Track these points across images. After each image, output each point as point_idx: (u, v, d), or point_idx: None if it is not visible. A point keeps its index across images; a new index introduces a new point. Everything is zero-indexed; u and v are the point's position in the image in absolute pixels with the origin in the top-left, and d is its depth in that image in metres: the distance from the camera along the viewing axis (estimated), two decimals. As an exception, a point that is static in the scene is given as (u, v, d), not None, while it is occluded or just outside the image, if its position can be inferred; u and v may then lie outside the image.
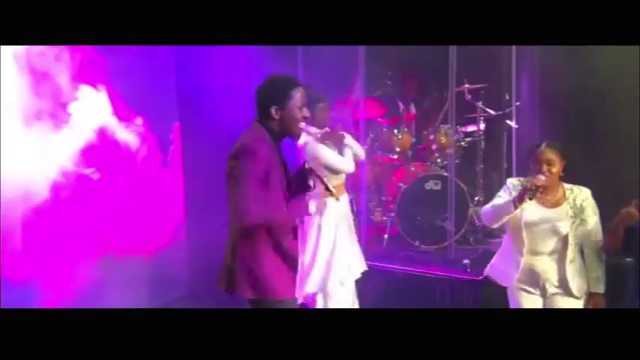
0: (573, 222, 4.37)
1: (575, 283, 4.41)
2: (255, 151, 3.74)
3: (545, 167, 4.29)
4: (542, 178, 4.24)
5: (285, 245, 3.84)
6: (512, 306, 4.52)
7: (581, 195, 4.42)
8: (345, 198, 5.48)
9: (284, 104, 3.88)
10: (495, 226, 4.55)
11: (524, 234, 4.38)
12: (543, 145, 4.34)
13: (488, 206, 4.51)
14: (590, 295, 4.42)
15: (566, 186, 4.44)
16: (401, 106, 7.72)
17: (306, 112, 3.96)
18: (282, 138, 3.97)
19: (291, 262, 3.89)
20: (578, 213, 4.38)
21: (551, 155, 4.31)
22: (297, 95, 3.91)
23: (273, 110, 3.87)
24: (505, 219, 4.40)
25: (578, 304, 4.41)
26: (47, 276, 5.13)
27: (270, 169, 3.77)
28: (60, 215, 5.30)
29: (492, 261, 4.70)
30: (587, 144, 5.54)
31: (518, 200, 4.26)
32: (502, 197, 4.45)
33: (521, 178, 4.51)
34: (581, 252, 4.45)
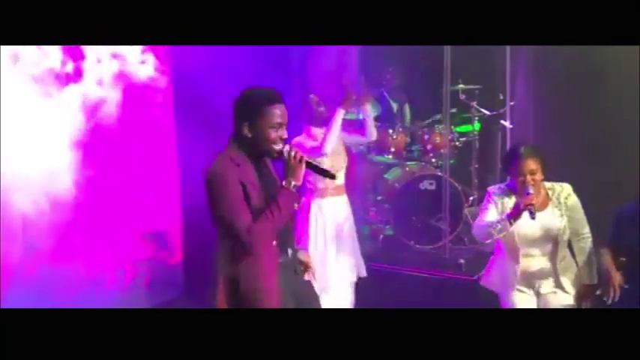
0: (561, 220, 4.37)
1: (567, 279, 4.43)
2: (221, 174, 3.52)
3: (529, 177, 4.24)
4: (532, 195, 4.16)
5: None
6: (504, 306, 4.52)
7: (564, 192, 4.41)
8: (343, 199, 5.52)
9: (255, 122, 3.56)
10: (489, 242, 4.51)
11: (517, 242, 4.37)
12: (523, 156, 4.25)
13: (481, 225, 4.39)
14: (581, 287, 4.43)
15: (547, 185, 4.41)
16: (394, 106, 7.75)
17: (283, 133, 3.60)
18: (260, 157, 3.68)
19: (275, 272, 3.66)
20: (564, 210, 4.38)
21: (534, 165, 4.24)
22: (272, 112, 3.56)
23: (245, 128, 3.58)
24: (500, 236, 4.38)
25: (571, 299, 4.43)
26: (46, 276, 5.12)
27: (245, 188, 3.54)
28: (57, 214, 5.28)
29: (487, 271, 4.67)
30: (582, 143, 5.55)
31: (514, 218, 4.19)
32: (489, 211, 4.39)
33: (502, 185, 4.48)
34: (569, 246, 4.45)
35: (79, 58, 5.24)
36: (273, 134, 3.58)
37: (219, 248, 3.67)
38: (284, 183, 3.59)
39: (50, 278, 5.12)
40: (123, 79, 5.59)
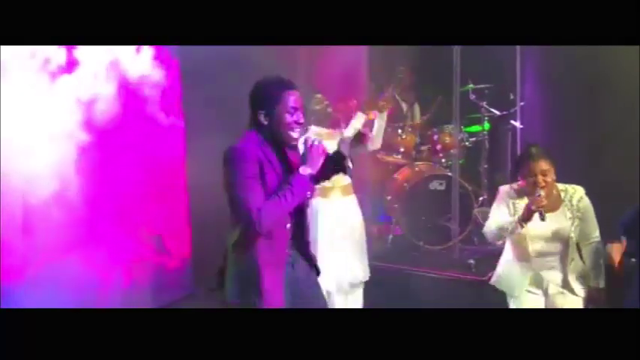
0: (572, 222, 4.34)
1: (576, 282, 4.39)
2: (242, 151, 3.53)
3: (540, 178, 4.21)
4: (543, 196, 4.14)
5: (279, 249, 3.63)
6: (512, 307, 4.50)
7: (577, 194, 4.37)
8: (351, 199, 5.50)
9: (271, 109, 3.61)
10: (500, 243, 4.52)
11: (527, 242, 4.34)
12: (535, 157, 4.23)
13: (492, 227, 4.39)
14: (590, 291, 4.39)
15: (560, 187, 4.38)
16: (405, 106, 7.72)
17: (299, 117, 3.64)
18: (279, 145, 3.68)
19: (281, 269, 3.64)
20: (576, 212, 4.34)
21: (545, 165, 4.21)
22: (287, 98, 3.61)
23: (261, 116, 3.62)
24: (511, 237, 4.36)
25: (579, 302, 4.40)
26: (46, 276, 5.11)
27: (263, 169, 3.54)
28: (58, 213, 5.26)
29: (497, 271, 4.63)
30: (591, 143, 5.52)
31: (524, 220, 4.18)
32: (500, 211, 4.38)
33: (514, 185, 4.43)
34: (579, 249, 4.42)
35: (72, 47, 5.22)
36: (289, 119, 3.62)
37: (231, 237, 3.65)
38: (300, 169, 3.61)
39: (50, 278, 5.11)
40: (119, 72, 5.58)
